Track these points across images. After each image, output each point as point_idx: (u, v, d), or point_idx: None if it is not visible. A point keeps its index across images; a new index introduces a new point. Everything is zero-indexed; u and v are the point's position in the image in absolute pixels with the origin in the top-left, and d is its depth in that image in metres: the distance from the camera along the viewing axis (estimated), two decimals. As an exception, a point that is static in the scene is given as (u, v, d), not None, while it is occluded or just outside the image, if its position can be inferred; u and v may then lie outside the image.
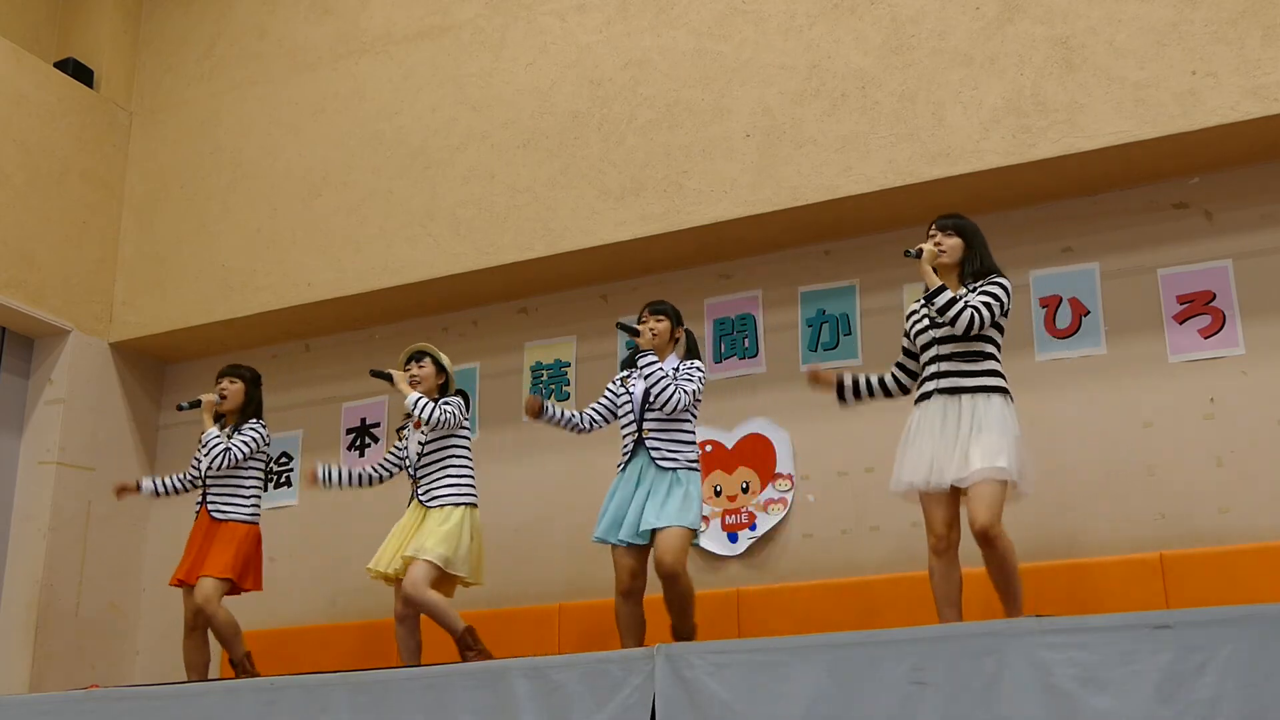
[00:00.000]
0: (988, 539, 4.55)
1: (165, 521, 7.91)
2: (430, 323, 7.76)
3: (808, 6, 6.62)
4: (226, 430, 6.25)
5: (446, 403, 5.90)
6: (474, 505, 5.91)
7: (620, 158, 6.89)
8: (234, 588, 6.14)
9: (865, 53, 6.43)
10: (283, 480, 7.91)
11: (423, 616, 5.71)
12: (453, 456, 5.92)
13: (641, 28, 7.03)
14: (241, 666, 6.09)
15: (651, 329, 5.42)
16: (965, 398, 4.68)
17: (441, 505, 5.79)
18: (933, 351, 4.78)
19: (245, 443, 6.18)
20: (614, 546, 5.34)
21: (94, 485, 7.94)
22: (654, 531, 5.18)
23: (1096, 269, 6.23)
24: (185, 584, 6.12)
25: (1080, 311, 6.17)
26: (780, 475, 6.60)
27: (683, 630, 5.26)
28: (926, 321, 4.84)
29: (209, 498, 6.16)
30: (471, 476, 5.96)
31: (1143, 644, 3.62)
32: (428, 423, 5.81)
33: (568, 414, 5.66)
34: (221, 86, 8.38)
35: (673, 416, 5.31)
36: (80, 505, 7.87)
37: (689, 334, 5.62)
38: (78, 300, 8.04)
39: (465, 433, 6.01)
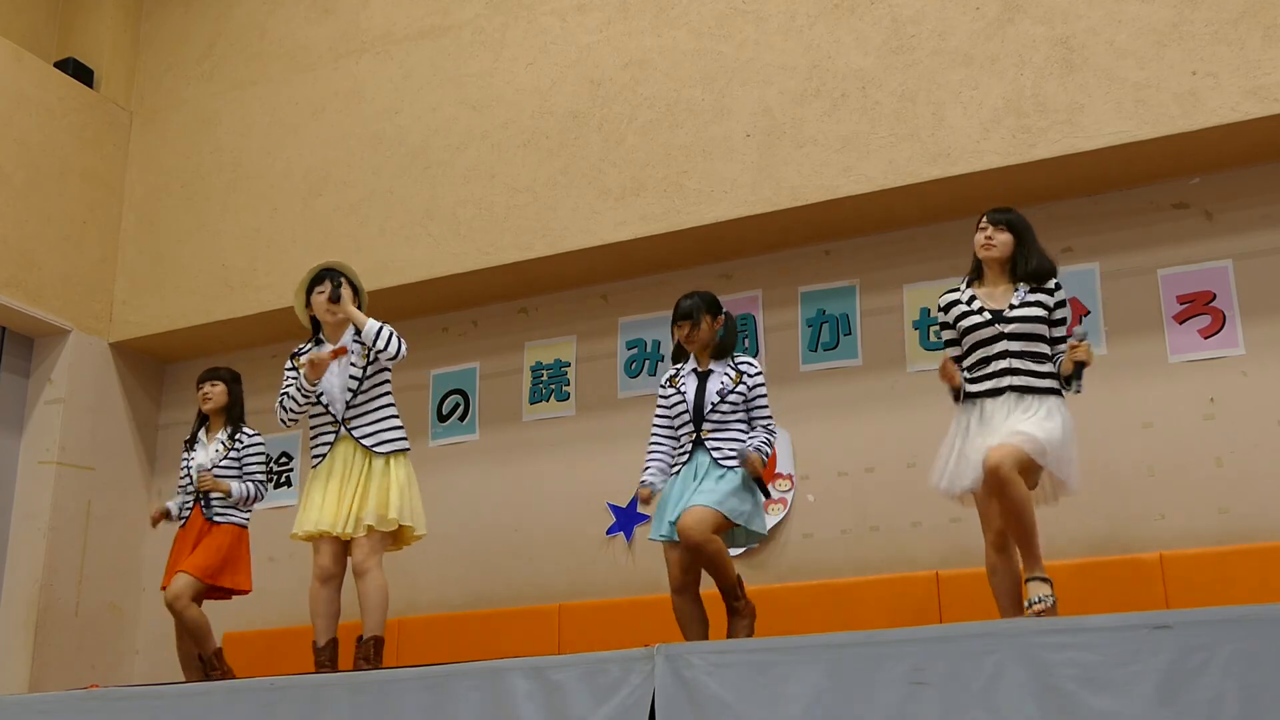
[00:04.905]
0: (997, 479, 4.42)
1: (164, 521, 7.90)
2: (430, 323, 7.76)
3: (808, 6, 6.62)
4: (220, 437, 6.20)
5: (388, 330, 5.50)
6: (406, 451, 5.58)
7: (620, 158, 6.89)
8: (213, 591, 6.11)
9: (865, 53, 6.43)
10: (282, 480, 7.91)
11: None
12: (386, 394, 5.58)
13: (641, 28, 7.03)
14: (210, 664, 6.03)
15: (688, 337, 5.21)
16: (1033, 397, 4.62)
17: (394, 451, 5.47)
18: (1000, 346, 4.69)
19: (258, 467, 6.17)
20: (665, 544, 5.10)
21: (94, 485, 7.96)
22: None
23: (1096, 269, 6.23)
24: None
25: (1080, 311, 6.17)
26: (780, 475, 6.59)
27: (725, 587, 5.04)
28: (988, 313, 4.75)
29: (204, 501, 6.11)
30: (399, 417, 5.60)
31: (1143, 644, 3.62)
32: (393, 358, 5.45)
33: (655, 475, 5.24)
34: (221, 86, 8.38)
35: (732, 416, 5.13)
36: (80, 505, 7.87)
37: (729, 320, 5.34)
38: (78, 300, 8.04)
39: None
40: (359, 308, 5.65)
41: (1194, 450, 5.85)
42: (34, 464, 7.82)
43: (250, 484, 6.15)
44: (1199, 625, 3.60)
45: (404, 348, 5.51)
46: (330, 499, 5.42)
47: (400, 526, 5.48)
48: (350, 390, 5.50)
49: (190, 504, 6.16)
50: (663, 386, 5.36)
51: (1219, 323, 5.96)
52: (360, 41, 7.95)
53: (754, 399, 5.17)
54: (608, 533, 6.94)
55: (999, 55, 6.14)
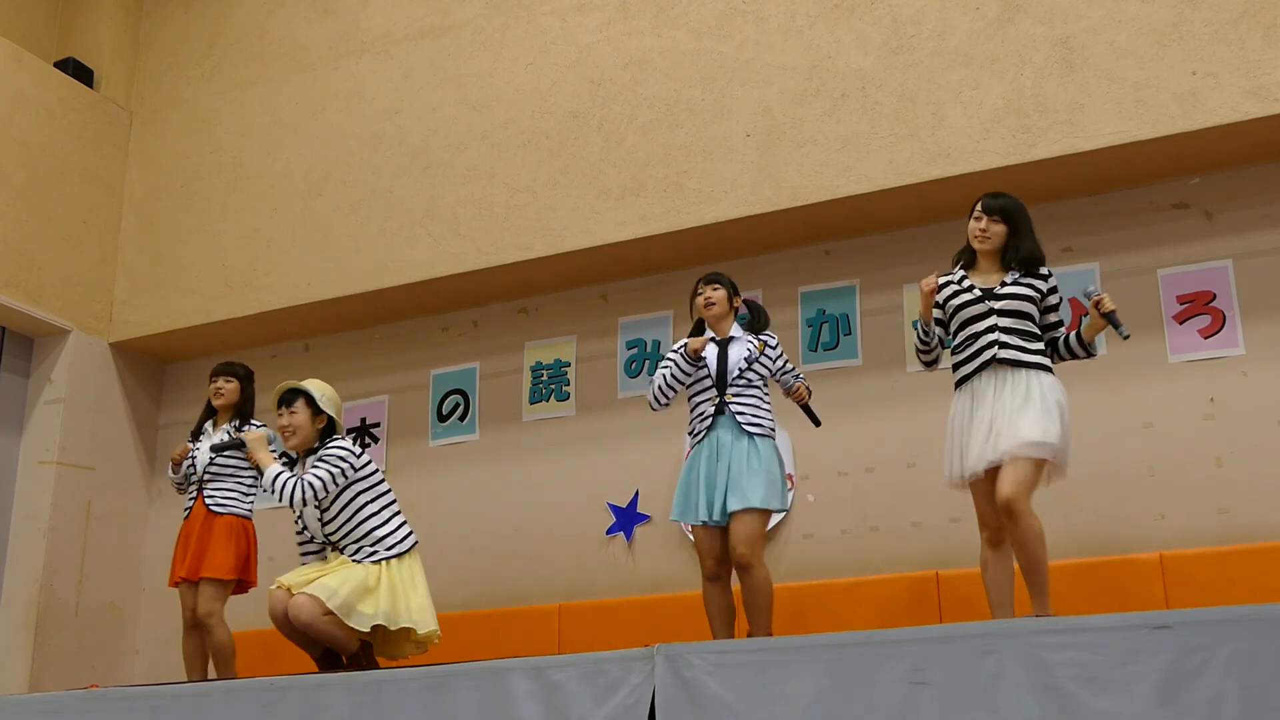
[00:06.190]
0: (1011, 513, 4.48)
1: (165, 521, 7.90)
2: (430, 323, 7.77)
3: (808, 6, 6.62)
4: (226, 428, 6.22)
5: (320, 461, 5.21)
6: (400, 555, 5.29)
7: (620, 158, 6.89)
8: (239, 587, 6.14)
9: (865, 53, 6.43)
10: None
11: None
12: (367, 503, 5.30)
13: (641, 28, 7.03)
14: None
15: (709, 298, 5.30)
16: (1023, 372, 4.62)
17: (377, 562, 5.23)
18: (989, 322, 4.70)
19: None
20: (694, 527, 5.18)
21: (94, 485, 7.96)
22: (732, 513, 5.04)
23: (1096, 269, 6.23)
24: (187, 581, 6.08)
25: (1080, 312, 6.16)
26: (780, 475, 6.59)
27: (757, 633, 5.06)
28: (979, 291, 4.76)
29: (206, 491, 6.12)
30: (389, 520, 5.32)
31: (1143, 644, 3.61)
32: (291, 506, 5.16)
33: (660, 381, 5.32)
34: (221, 86, 8.38)
35: (753, 385, 5.21)
36: (80, 505, 7.87)
37: (750, 303, 5.47)
38: (78, 300, 8.04)
39: (364, 473, 5.34)
40: (329, 424, 5.40)
41: (1194, 450, 5.85)
42: (34, 464, 7.82)
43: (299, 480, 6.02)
44: (1199, 625, 3.60)
45: (300, 493, 5.13)
46: (307, 570, 5.32)
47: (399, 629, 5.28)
48: (320, 520, 5.33)
49: (194, 495, 6.16)
50: (674, 351, 5.36)
51: (1219, 323, 5.96)
52: (360, 41, 7.95)
53: (780, 366, 5.31)
54: (608, 533, 6.94)
55: (999, 55, 6.13)
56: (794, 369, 5.40)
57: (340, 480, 5.25)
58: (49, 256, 7.89)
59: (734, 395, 5.16)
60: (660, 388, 5.31)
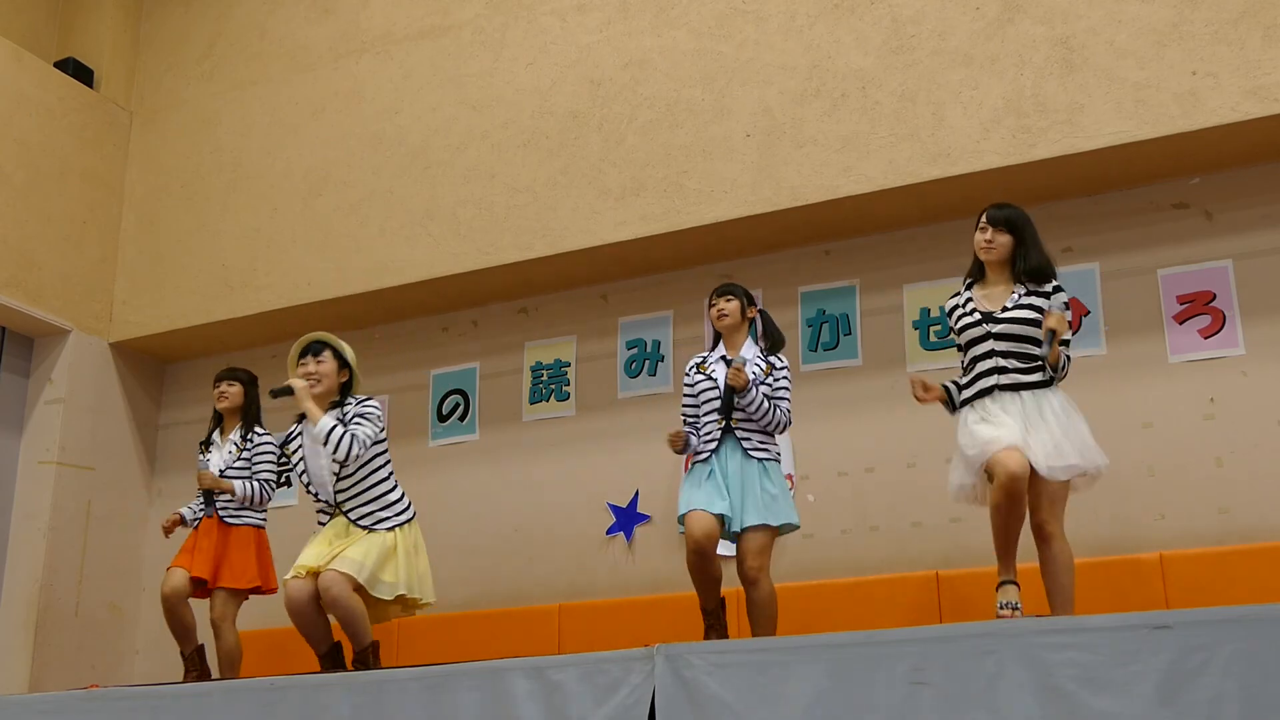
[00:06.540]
0: (1043, 534, 4.53)
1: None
2: (430, 323, 7.77)
3: (808, 6, 6.62)
4: (233, 437, 6.20)
5: (362, 418, 5.32)
6: (408, 522, 5.41)
7: (620, 158, 6.89)
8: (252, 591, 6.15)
9: (865, 53, 6.43)
10: (282, 481, 7.88)
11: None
12: (378, 469, 5.39)
13: (641, 28, 7.03)
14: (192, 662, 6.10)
15: (721, 310, 5.26)
16: (1026, 394, 4.62)
17: (390, 529, 5.32)
18: (987, 346, 4.70)
19: (267, 468, 6.14)
20: (691, 512, 5.06)
21: (94, 485, 7.96)
22: (746, 527, 5.04)
23: (1096, 269, 6.23)
24: (199, 579, 6.07)
25: (1080, 311, 6.17)
26: (780, 475, 6.58)
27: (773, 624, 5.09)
28: (979, 315, 4.76)
29: (219, 502, 6.10)
30: (395, 487, 5.43)
31: (1143, 644, 3.62)
32: (345, 460, 5.22)
33: (694, 442, 5.27)
34: (221, 86, 8.38)
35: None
36: (80, 505, 7.87)
37: (765, 315, 5.41)
38: (78, 300, 8.04)
39: (381, 435, 5.43)
40: (350, 377, 5.49)
41: (1194, 450, 5.85)
42: (34, 464, 7.82)
43: (256, 484, 6.12)
44: (1199, 625, 3.60)
45: (355, 449, 5.23)
46: (320, 546, 5.34)
47: (406, 596, 5.36)
48: (335, 475, 5.34)
49: (204, 507, 6.14)
50: (689, 373, 5.36)
51: (1219, 323, 5.96)
52: (360, 41, 7.95)
53: (776, 389, 5.19)
54: (608, 533, 6.94)
55: (999, 55, 6.13)
56: (786, 400, 5.21)
57: (374, 439, 5.34)
58: (49, 256, 7.89)
59: (741, 420, 5.14)
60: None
